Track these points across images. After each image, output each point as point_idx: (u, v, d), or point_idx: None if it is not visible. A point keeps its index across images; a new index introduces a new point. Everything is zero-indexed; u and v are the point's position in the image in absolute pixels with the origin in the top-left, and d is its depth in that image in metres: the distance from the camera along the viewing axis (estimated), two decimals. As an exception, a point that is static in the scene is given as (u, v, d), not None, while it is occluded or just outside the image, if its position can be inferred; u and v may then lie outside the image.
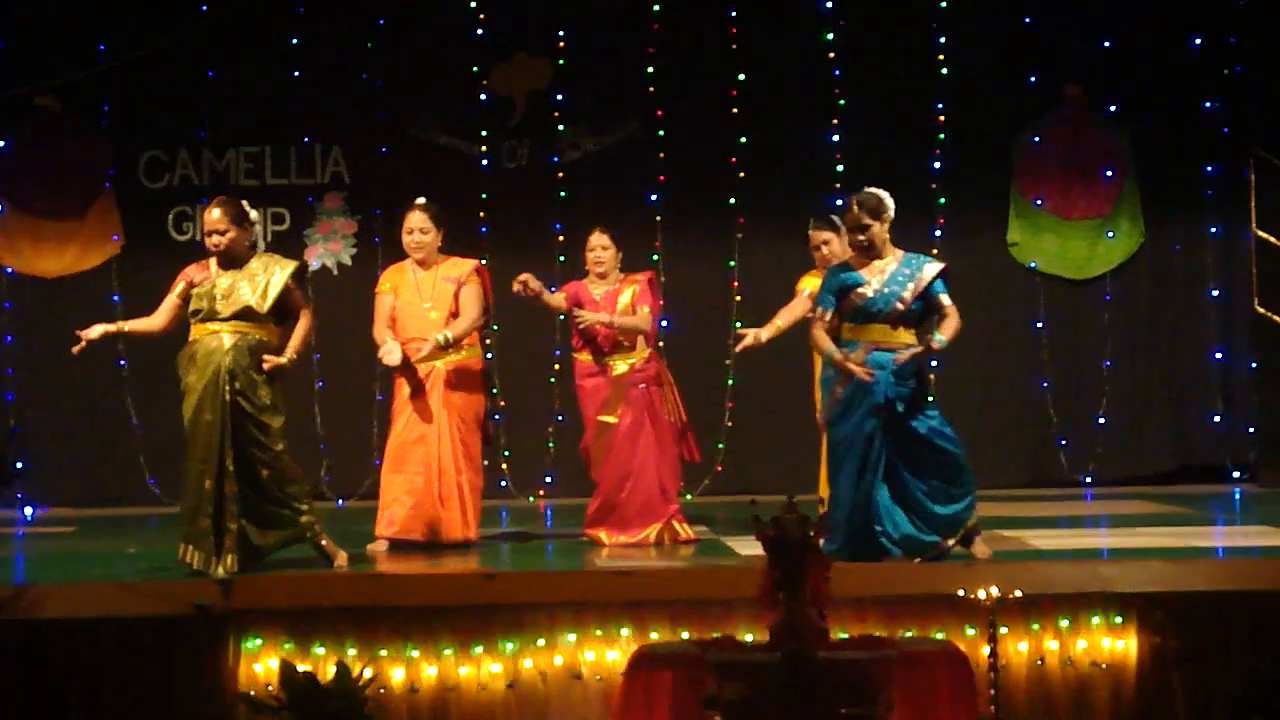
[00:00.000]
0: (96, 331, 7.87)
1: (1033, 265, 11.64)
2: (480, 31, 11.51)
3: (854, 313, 7.78)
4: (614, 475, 8.77)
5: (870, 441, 7.66)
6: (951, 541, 7.67)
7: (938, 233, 11.30)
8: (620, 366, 8.84)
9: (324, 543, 7.82)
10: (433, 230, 8.69)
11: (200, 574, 7.49)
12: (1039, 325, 11.65)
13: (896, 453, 7.66)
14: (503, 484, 11.46)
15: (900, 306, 7.71)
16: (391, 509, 8.49)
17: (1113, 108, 11.62)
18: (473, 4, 11.49)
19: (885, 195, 7.81)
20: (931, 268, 7.79)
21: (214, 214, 7.83)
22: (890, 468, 7.67)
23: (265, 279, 7.80)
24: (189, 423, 7.73)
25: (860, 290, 7.73)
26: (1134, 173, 11.67)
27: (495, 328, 11.44)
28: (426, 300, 8.64)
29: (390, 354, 8.46)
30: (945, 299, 7.75)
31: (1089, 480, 11.50)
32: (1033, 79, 11.56)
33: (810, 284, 8.75)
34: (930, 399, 7.75)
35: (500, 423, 11.45)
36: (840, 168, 11.53)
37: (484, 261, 11.19)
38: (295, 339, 7.85)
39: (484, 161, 11.62)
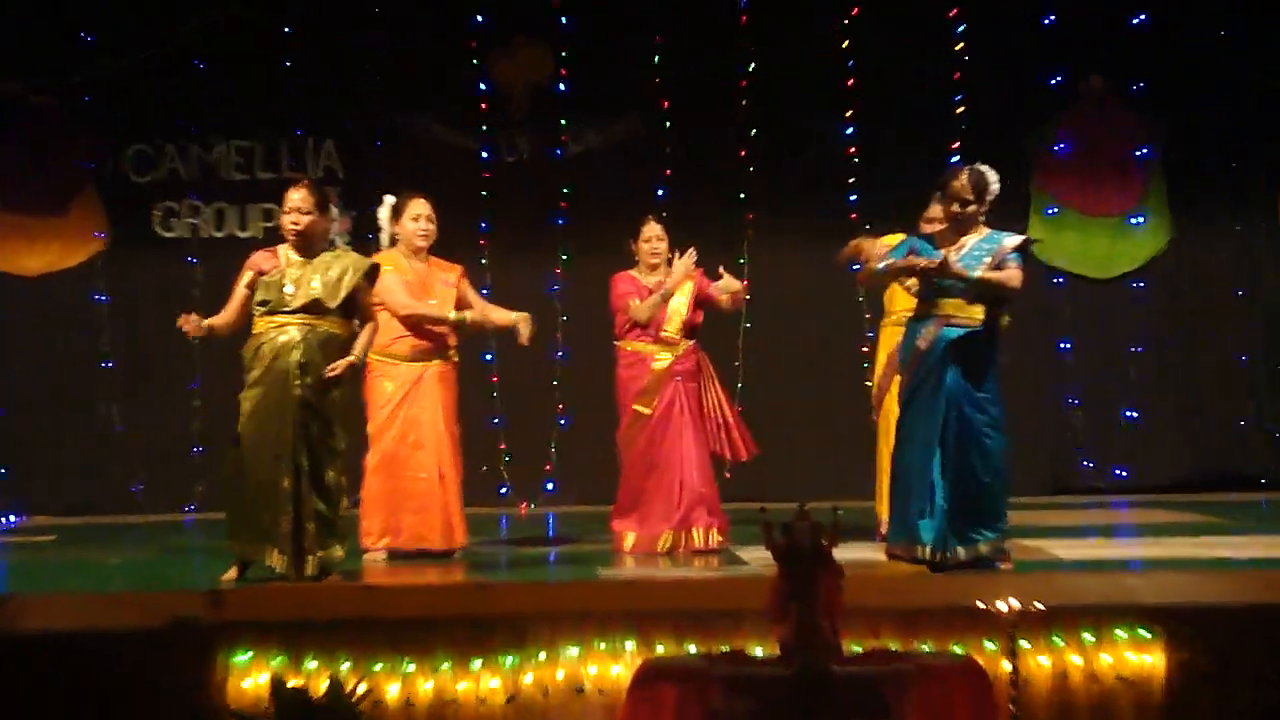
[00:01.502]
0: (193, 324, 7.62)
1: (1054, 264, 11.64)
2: (479, 19, 11.52)
3: (927, 285, 7.75)
4: (640, 466, 8.84)
5: (945, 425, 7.60)
6: (986, 552, 7.63)
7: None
8: (662, 358, 8.87)
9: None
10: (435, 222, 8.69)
11: (287, 578, 7.48)
12: (1060, 326, 11.63)
13: (953, 440, 7.61)
14: (503, 490, 11.49)
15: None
16: (395, 518, 8.46)
17: (1137, 97, 11.62)
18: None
19: (994, 179, 7.77)
20: (1012, 239, 7.74)
21: (298, 194, 7.73)
22: (946, 455, 7.62)
23: (339, 273, 7.71)
24: (253, 419, 7.60)
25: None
26: (1160, 167, 11.65)
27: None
28: (432, 297, 8.62)
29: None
30: (1014, 263, 7.66)
31: (1112, 487, 11.48)
32: (1051, 70, 11.59)
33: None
34: (993, 418, 7.67)
35: (500, 427, 11.47)
36: (854, 161, 11.58)
37: (484, 261, 11.30)
38: (362, 340, 7.78)
39: (483, 155, 11.63)
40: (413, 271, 8.62)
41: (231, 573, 7.61)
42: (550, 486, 11.51)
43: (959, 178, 7.76)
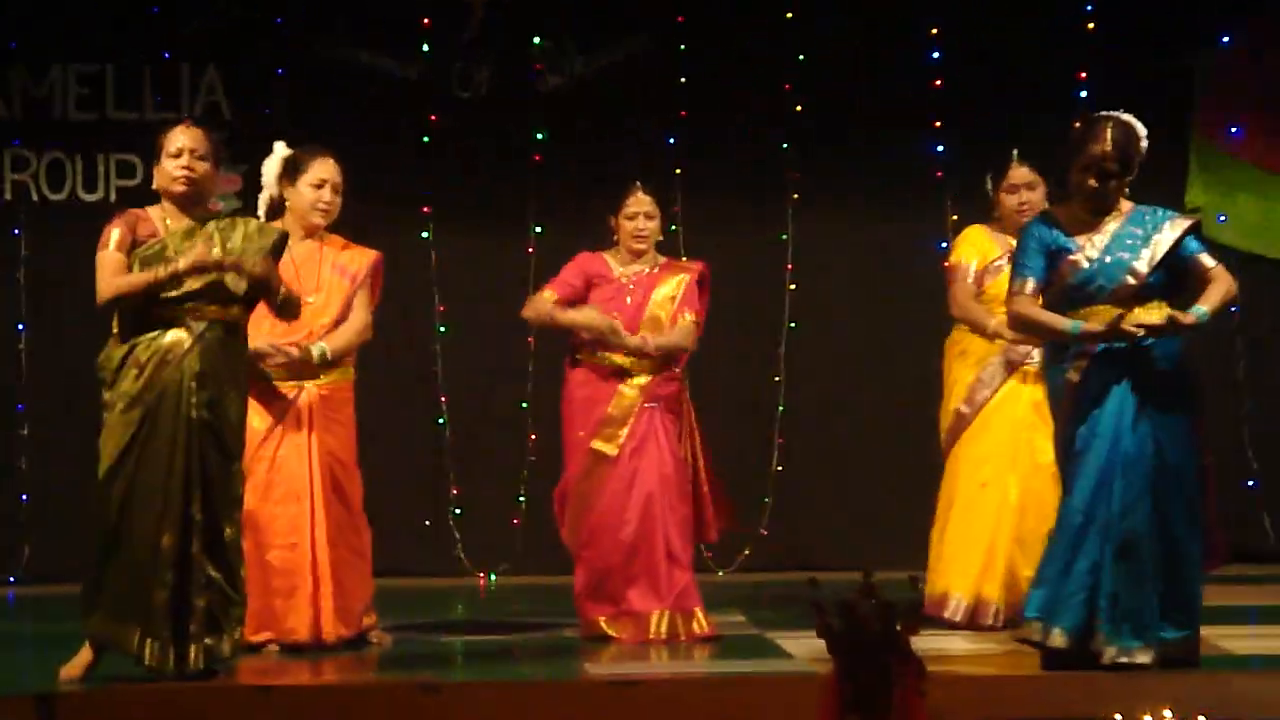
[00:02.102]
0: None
1: (1222, 241, 11.56)
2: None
3: (1064, 293, 7.61)
4: (606, 529, 8.77)
5: (1114, 476, 7.51)
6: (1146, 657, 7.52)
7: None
8: (631, 382, 8.83)
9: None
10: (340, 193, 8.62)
11: (158, 674, 7.40)
12: (1228, 331, 11.59)
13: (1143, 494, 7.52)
14: (456, 554, 11.54)
15: (1132, 281, 7.52)
16: (262, 602, 8.33)
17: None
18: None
19: (1143, 133, 7.65)
20: (1175, 224, 7.62)
21: (188, 134, 7.66)
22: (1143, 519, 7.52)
23: (240, 242, 7.65)
24: (124, 452, 7.51)
25: (1072, 258, 7.60)
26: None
27: (441, 329, 11.44)
28: (312, 293, 8.53)
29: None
30: (1206, 259, 7.57)
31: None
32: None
33: (978, 245, 9.08)
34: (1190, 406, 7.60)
35: (450, 465, 11.46)
36: (940, 84, 11.64)
37: (426, 236, 11.30)
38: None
39: (426, 91, 11.64)
40: (291, 259, 8.47)
41: (78, 664, 7.52)
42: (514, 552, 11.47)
43: (1100, 136, 7.57)
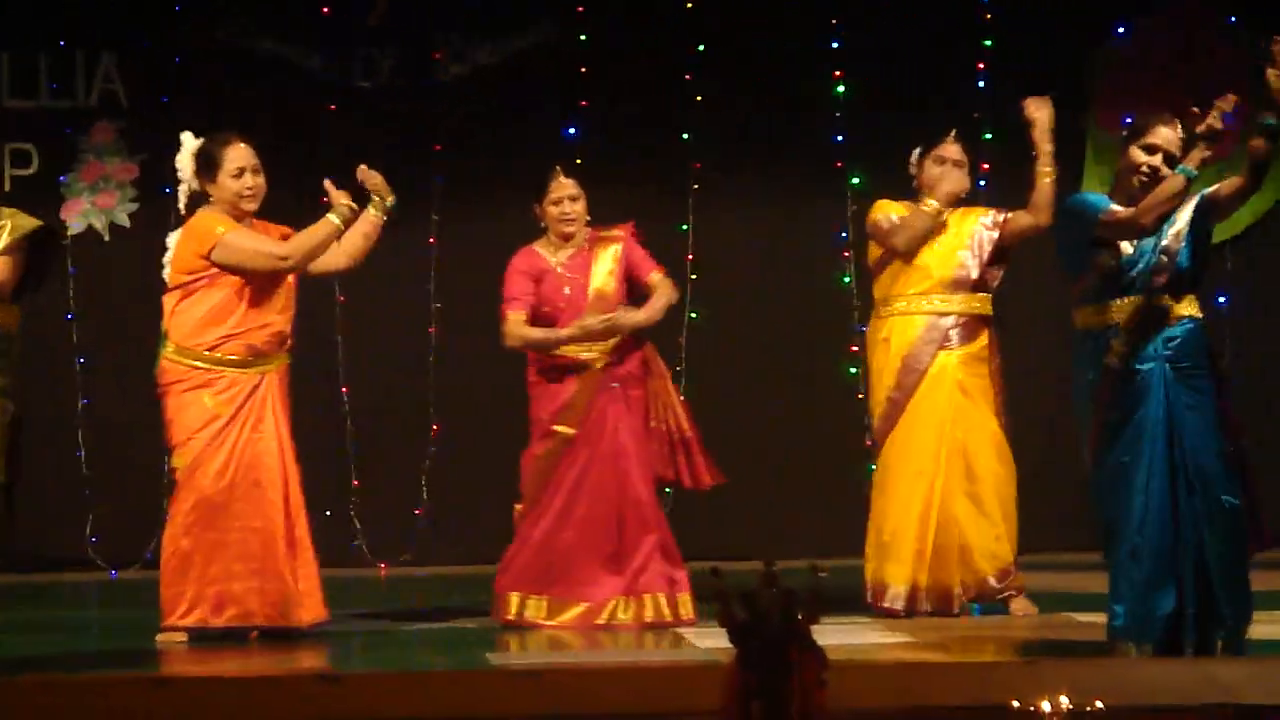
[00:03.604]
0: None
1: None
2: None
3: (1106, 280, 7.58)
4: (560, 511, 8.80)
5: (1154, 473, 7.50)
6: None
7: (982, 182, 11.27)
8: (592, 356, 8.85)
9: None
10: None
11: None
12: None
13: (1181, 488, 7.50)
14: (354, 544, 11.56)
15: (1165, 260, 7.52)
16: (217, 585, 8.37)
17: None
18: None
19: None
20: (1187, 203, 7.56)
21: None
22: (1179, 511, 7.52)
23: None
24: None
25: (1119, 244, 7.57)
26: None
27: (340, 304, 11.43)
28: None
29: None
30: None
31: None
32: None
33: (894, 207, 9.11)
34: (1224, 423, 7.56)
35: (352, 456, 11.45)
36: (840, 88, 11.72)
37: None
38: None
39: (327, 78, 11.65)
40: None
41: None
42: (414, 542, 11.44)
43: (1169, 122, 7.60)
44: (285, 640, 8.45)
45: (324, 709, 7.16)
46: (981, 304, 9.04)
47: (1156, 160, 7.56)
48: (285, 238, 8.67)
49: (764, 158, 11.58)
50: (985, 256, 8.99)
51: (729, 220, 11.70)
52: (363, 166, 8.55)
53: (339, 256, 8.63)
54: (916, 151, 9.16)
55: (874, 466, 9.33)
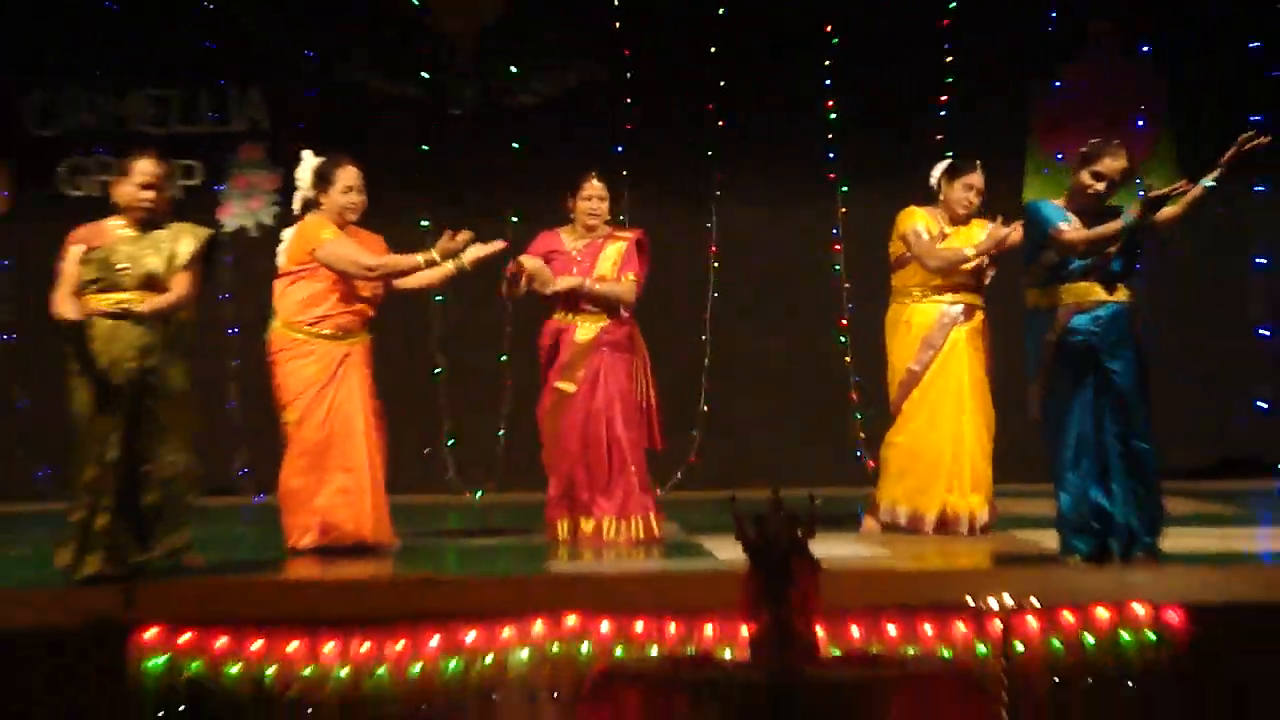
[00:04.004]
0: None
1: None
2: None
3: (1050, 270, 7.64)
4: (570, 452, 8.79)
5: (1084, 419, 7.57)
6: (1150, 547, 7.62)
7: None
8: (586, 328, 8.83)
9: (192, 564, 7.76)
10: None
11: (94, 580, 7.40)
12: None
13: (1107, 432, 7.56)
14: (448, 476, 11.56)
15: (1099, 259, 7.57)
16: (323, 514, 8.40)
17: (1146, 49, 11.63)
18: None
19: None
20: (1129, 211, 7.62)
21: (151, 165, 7.63)
22: (1105, 449, 7.57)
23: (172, 247, 7.64)
24: (83, 408, 7.56)
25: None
26: (1170, 124, 11.69)
27: (440, 299, 11.46)
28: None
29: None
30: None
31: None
32: (1056, 14, 11.58)
33: (925, 219, 9.02)
34: (1141, 381, 7.61)
35: (446, 405, 11.48)
36: (833, 116, 11.64)
37: (425, 224, 11.32)
38: (165, 298, 7.64)
39: (424, 107, 11.64)
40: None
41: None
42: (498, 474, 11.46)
43: (1115, 153, 7.62)
44: (381, 553, 8.46)
45: (427, 605, 7.27)
46: (978, 295, 9.03)
47: (1101, 186, 7.62)
48: (373, 244, 8.64)
49: (772, 170, 11.55)
50: (984, 261, 8.97)
51: (745, 219, 11.67)
52: (466, 233, 8.39)
53: (408, 282, 8.60)
54: (942, 169, 9.07)
55: (879, 421, 9.37)
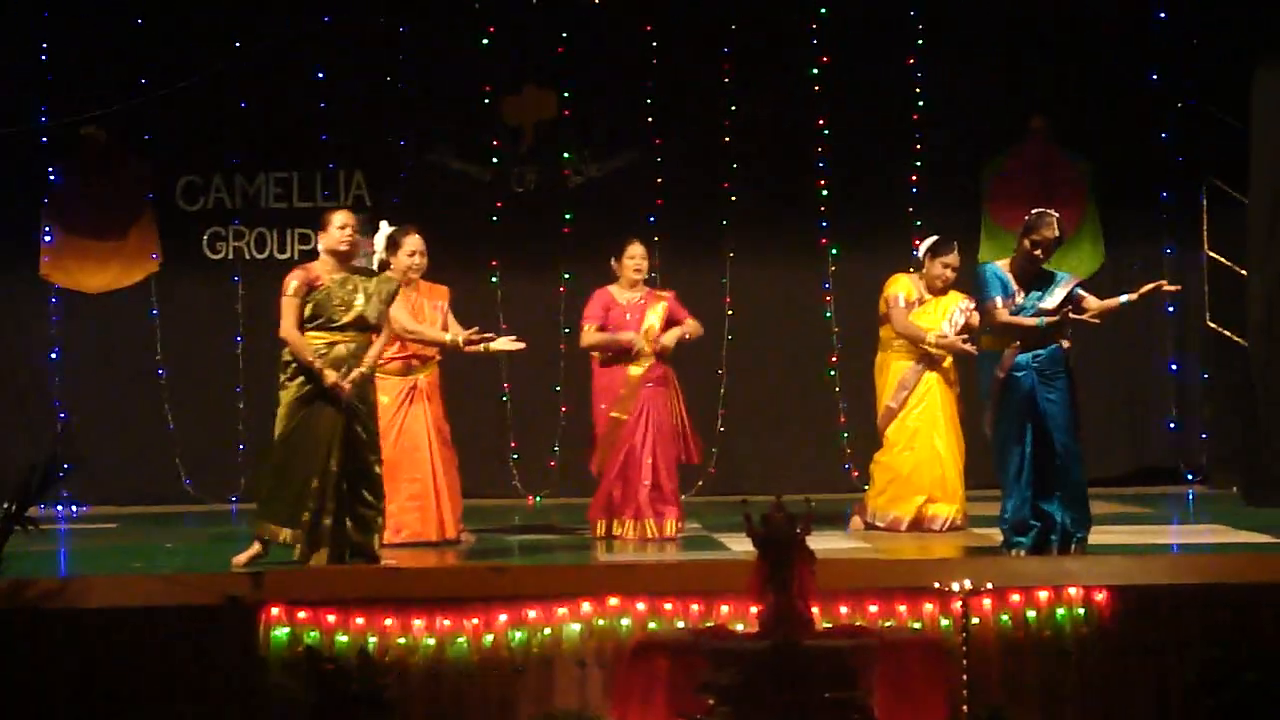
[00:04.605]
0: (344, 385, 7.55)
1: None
2: (493, 65, 11.52)
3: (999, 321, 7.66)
4: (618, 468, 8.78)
5: (1025, 438, 7.56)
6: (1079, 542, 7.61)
7: (915, 253, 11.29)
8: (635, 369, 8.84)
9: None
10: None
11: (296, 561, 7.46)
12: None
13: (1051, 447, 7.56)
14: (513, 483, 11.48)
15: (1040, 317, 7.57)
16: (398, 517, 8.37)
17: (1075, 138, 11.64)
18: (485, 41, 11.49)
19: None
20: (1073, 277, 7.74)
21: (348, 216, 7.70)
22: (1043, 462, 7.58)
23: (374, 291, 7.65)
24: (291, 418, 7.51)
25: (1010, 299, 7.64)
26: (1095, 198, 11.69)
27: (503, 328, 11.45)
28: (421, 321, 8.59)
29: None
30: (1086, 295, 7.63)
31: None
32: (1003, 112, 11.59)
33: (905, 286, 8.98)
34: (1072, 407, 7.61)
35: (511, 421, 11.45)
36: (824, 193, 11.61)
37: (495, 280, 11.32)
38: (372, 352, 7.69)
39: (494, 186, 11.61)
40: (411, 302, 8.56)
41: (245, 555, 7.56)
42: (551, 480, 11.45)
43: (1050, 225, 7.59)
44: (454, 547, 8.45)
45: (496, 589, 7.27)
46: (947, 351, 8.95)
47: (1039, 252, 7.62)
48: (437, 294, 8.68)
49: (775, 236, 11.50)
50: (956, 329, 8.87)
51: (753, 277, 11.60)
52: (490, 336, 8.47)
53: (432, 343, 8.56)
54: (928, 246, 9.05)
55: (865, 442, 9.38)
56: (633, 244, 8.97)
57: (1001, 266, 7.74)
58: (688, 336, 8.94)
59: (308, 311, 7.57)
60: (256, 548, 7.57)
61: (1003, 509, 7.70)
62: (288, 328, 7.55)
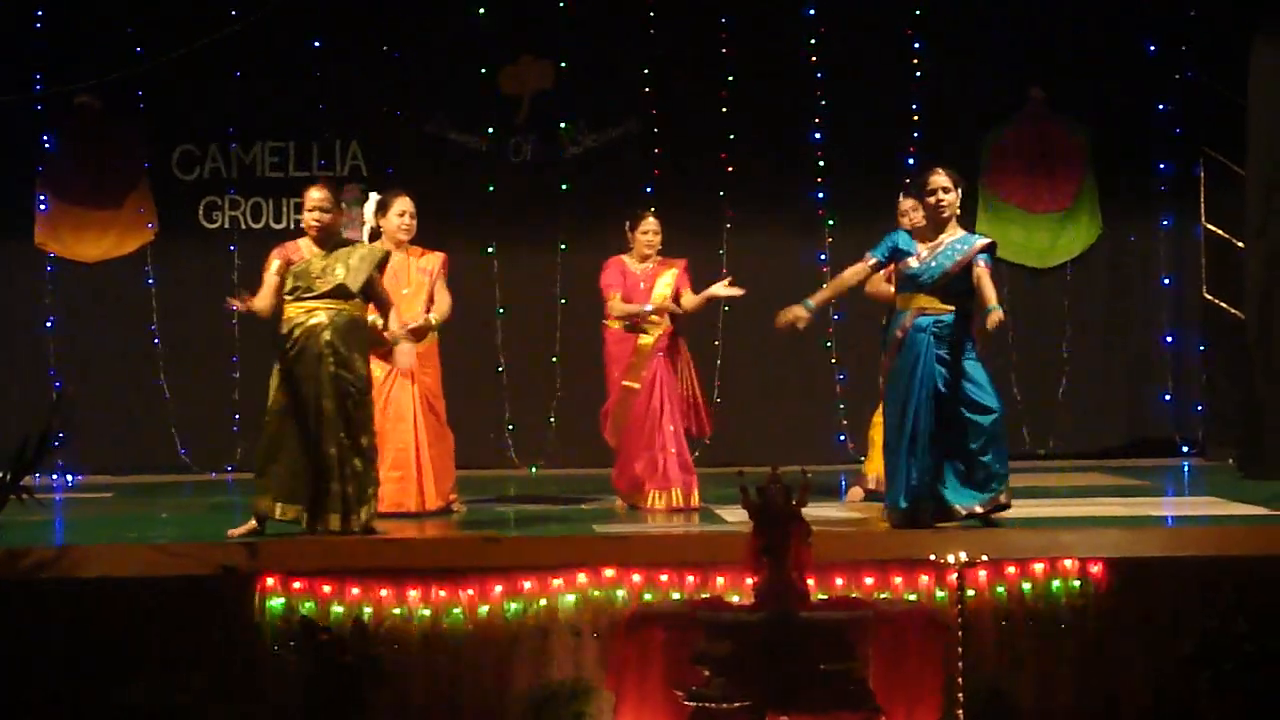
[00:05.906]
0: (243, 301, 7.56)
1: (1000, 256, 11.57)
2: (489, 35, 11.47)
3: (902, 281, 7.70)
4: (634, 437, 8.80)
5: (917, 405, 7.53)
6: (980, 509, 7.54)
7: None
8: (646, 337, 8.85)
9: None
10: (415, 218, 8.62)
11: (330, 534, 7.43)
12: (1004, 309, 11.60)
13: (939, 416, 7.54)
14: (509, 454, 11.46)
15: (942, 278, 7.57)
16: (381, 488, 8.28)
17: (1073, 110, 11.60)
18: (482, 10, 11.43)
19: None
20: (981, 240, 7.69)
21: (318, 193, 7.64)
22: (936, 431, 7.54)
23: (356, 261, 7.61)
24: (288, 394, 7.48)
25: (908, 260, 7.66)
26: (1092, 170, 11.67)
27: (500, 311, 11.46)
28: (405, 286, 8.53)
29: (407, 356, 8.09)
30: (982, 261, 7.58)
31: (1049, 453, 11.49)
32: (1001, 81, 11.55)
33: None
34: (972, 361, 7.58)
35: (507, 392, 11.45)
36: (821, 163, 11.57)
37: (490, 251, 11.28)
38: (393, 316, 7.74)
39: (491, 156, 11.57)
40: (392, 267, 8.44)
41: (241, 530, 7.53)
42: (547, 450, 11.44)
43: (935, 172, 7.69)
44: (440, 517, 8.43)
45: (492, 559, 7.28)
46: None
47: (932, 200, 7.67)
48: (445, 261, 8.65)
49: (773, 207, 11.50)
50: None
51: (750, 246, 11.56)
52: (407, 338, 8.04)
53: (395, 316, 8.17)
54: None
55: (861, 410, 9.32)
56: (648, 218, 9.05)
57: (914, 236, 7.78)
58: (691, 305, 8.96)
59: (288, 284, 7.57)
60: (253, 524, 7.54)
61: (887, 470, 7.71)
62: (259, 298, 7.56)
